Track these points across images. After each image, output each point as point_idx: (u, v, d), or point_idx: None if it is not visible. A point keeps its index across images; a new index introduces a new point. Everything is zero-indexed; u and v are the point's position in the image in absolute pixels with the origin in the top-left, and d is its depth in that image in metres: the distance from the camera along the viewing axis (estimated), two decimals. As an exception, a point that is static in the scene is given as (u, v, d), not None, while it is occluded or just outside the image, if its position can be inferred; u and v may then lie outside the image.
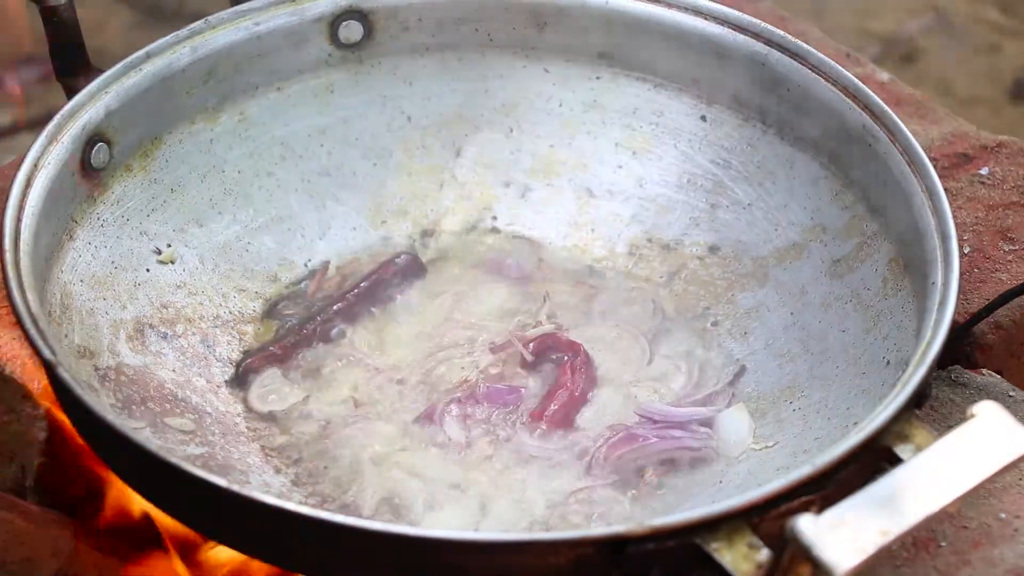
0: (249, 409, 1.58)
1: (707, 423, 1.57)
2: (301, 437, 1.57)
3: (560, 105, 1.79)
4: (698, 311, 1.69)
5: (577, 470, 1.54)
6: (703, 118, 1.75)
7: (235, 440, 1.54)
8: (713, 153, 1.75)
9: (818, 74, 1.66)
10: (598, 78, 1.78)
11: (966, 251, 1.75)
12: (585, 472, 1.54)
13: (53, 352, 1.37)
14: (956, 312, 1.44)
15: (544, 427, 1.57)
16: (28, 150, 1.53)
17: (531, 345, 1.63)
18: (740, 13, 1.71)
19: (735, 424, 1.56)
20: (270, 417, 1.58)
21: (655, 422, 1.57)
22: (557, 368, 1.62)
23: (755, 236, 1.71)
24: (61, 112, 1.57)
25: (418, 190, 1.78)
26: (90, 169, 1.59)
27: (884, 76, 1.99)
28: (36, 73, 2.99)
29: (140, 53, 1.64)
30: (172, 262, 1.65)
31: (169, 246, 1.66)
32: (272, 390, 1.60)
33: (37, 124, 2.65)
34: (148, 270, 1.64)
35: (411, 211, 1.77)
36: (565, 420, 1.58)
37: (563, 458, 1.55)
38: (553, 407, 1.58)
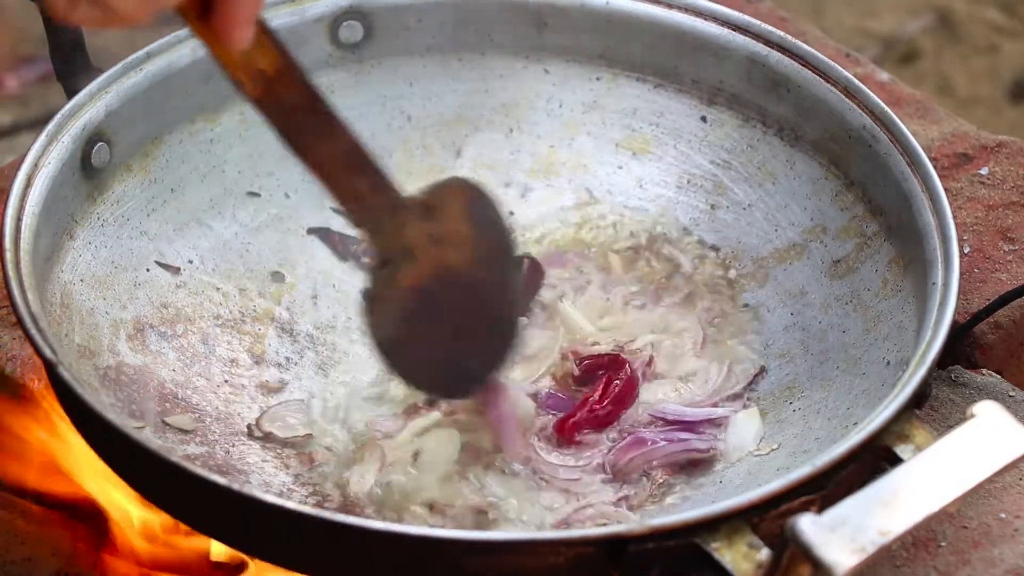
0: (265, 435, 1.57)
1: (718, 424, 1.56)
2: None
3: (560, 105, 1.79)
4: (697, 311, 1.69)
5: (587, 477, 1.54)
6: (703, 119, 1.75)
7: (235, 439, 1.54)
8: (713, 154, 1.75)
9: (818, 74, 1.66)
10: (598, 78, 1.78)
11: (966, 251, 1.75)
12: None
13: (53, 351, 1.37)
14: (956, 312, 1.45)
15: (556, 438, 1.56)
16: (28, 150, 1.53)
17: (583, 363, 1.61)
18: (740, 13, 1.71)
19: (745, 428, 1.56)
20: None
21: (667, 423, 1.56)
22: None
23: (755, 236, 1.71)
24: (61, 112, 1.57)
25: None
26: (90, 169, 1.59)
27: (884, 76, 1.99)
28: (36, 73, 2.99)
29: (140, 53, 1.64)
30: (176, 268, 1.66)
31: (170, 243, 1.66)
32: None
33: (37, 124, 2.65)
34: (148, 270, 1.64)
35: (411, 211, 1.77)
36: (570, 437, 1.55)
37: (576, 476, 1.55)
38: (571, 420, 1.55)
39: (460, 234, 1.43)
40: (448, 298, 1.44)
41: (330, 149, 1.34)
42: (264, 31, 1.27)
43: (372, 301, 1.43)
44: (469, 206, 1.45)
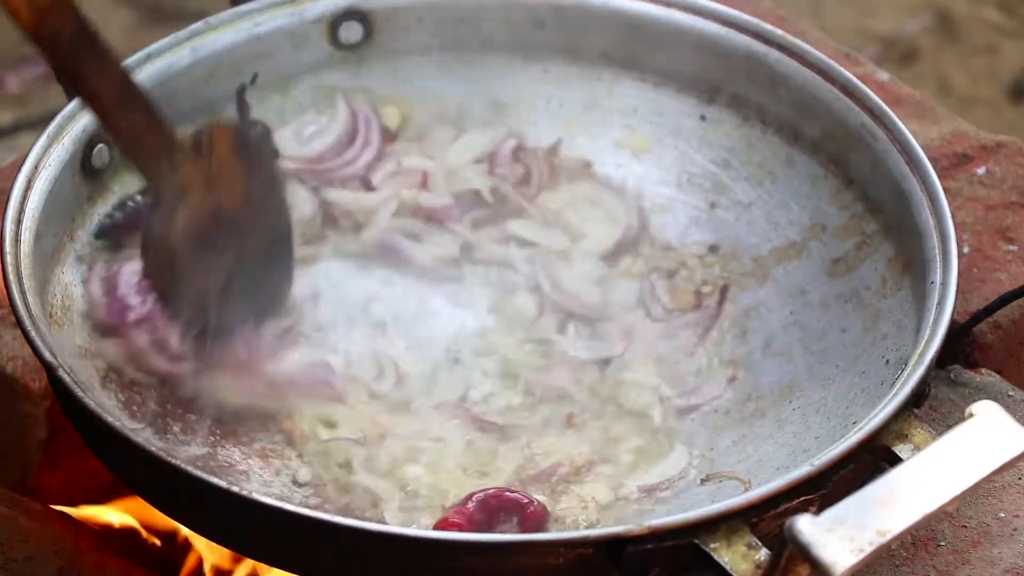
0: None
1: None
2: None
3: (560, 105, 1.79)
4: (697, 310, 1.69)
5: None
6: (703, 118, 1.75)
7: (235, 440, 1.54)
8: (713, 153, 1.75)
9: (817, 73, 1.66)
10: (598, 78, 1.78)
11: (965, 251, 1.75)
12: None
13: (53, 354, 1.37)
14: (955, 312, 1.45)
15: None
16: (29, 151, 1.53)
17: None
18: (740, 13, 1.71)
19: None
20: None
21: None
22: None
23: (755, 236, 1.71)
24: (62, 113, 1.57)
25: (418, 190, 1.78)
26: (91, 170, 1.59)
27: (884, 76, 1.99)
28: (36, 73, 2.99)
29: (140, 54, 1.64)
30: None
31: None
32: None
33: (37, 124, 2.65)
34: (148, 270, 1.64)
35: (411, 211, 1.78)
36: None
37: None
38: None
39: (231, 174, 1.48)
40: (222, 241, 1.48)
41: (105, 81, 1.38)
42: None
43: (148, 245, 1.48)
44: (236, 145, 1.49)
